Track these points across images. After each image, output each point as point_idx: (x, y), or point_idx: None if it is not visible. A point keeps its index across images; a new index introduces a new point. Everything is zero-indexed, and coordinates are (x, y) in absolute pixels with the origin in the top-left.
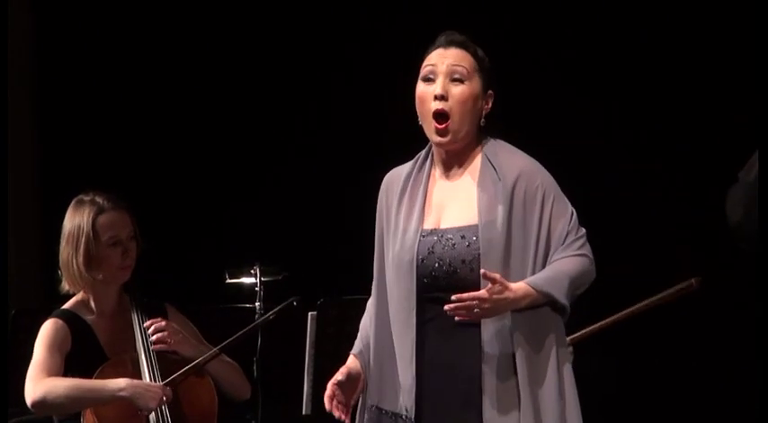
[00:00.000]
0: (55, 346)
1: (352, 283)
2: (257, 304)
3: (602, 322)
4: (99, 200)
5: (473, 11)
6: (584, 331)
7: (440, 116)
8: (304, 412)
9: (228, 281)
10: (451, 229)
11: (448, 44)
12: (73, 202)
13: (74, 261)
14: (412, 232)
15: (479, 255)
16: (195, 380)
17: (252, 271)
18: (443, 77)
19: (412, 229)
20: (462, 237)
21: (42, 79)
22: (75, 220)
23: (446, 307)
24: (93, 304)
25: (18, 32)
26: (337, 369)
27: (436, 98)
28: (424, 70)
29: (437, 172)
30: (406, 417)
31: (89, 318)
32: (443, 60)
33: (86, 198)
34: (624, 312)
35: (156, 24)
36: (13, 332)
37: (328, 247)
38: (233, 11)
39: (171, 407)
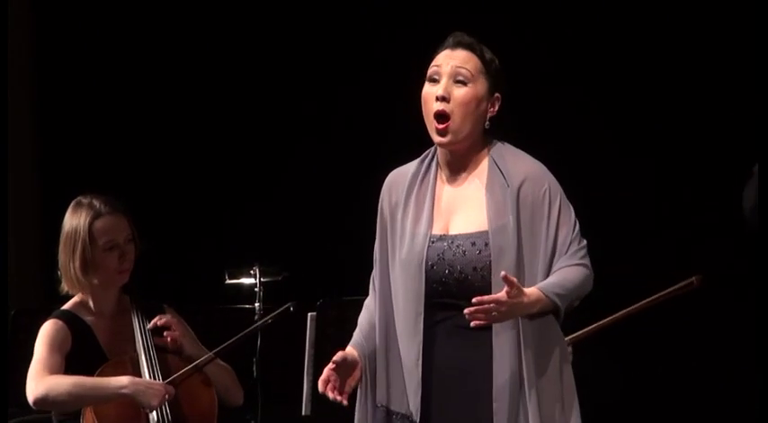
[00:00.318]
0: (55, 345)
1: (351, 284)
2: (257, 305)
3: (603, 321)
4: (96, 203)
5: (474, 11)
6: (584, 330)
7: (440, 117)
8: (304, 413)
9: (228, 281)
10: (461, 235)
11: (455, 45)
12: (72, 204)
13: (70, 265)
14: (421, 237)
15: (490, 262)
16: (195, 380)
17: (251, 271)
18: (447, 79)
19: (421, 234)
20: (473, 243)
21: (42, 79)
22: (73, 223)
23: (466, 310)
24: (92, 305)
25: (18, 32)
26: None
27: (438, 99)
28: (429, 71)
29: (443, 175)
30: (412, 419)
31: (88, 318)
32: (449, 62)
33: (85, 200)
34: (625, 311)
35: (156, 24)
36: (13, 332)
37: (328, 247)
38: (234, 10)
39: (171, 407)
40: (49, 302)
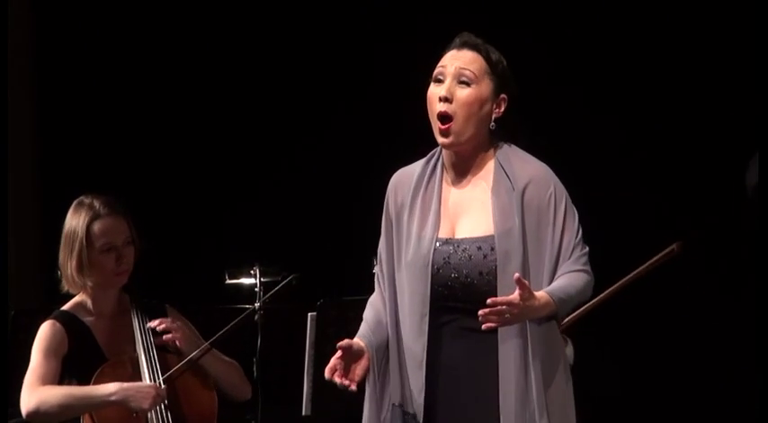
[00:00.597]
0: (51, 350)
1: (351, 284)
2: (257, 305)
3: (592, 302)
4: (96, 204)
5: (475, 11)
6: (575, 314)
7: (443, 118)
8: (304, 413)
9: (228, 281)
10: (467, 239)
11: (461, 46)
12: (74, 204)
13: (68, 265)
14: (427, 240)
15: (496, 266)
16: (195, 380)
17: (251, 271)
18: (451, 79)
19: (427, 236)
20: (479, 248)
21: (42, 79)
22: (72, 223)
23: (480, 312)
24: (91, 305)
25: (18, 32)
26: None
27: (440, 100)
28: (435, 71)
29: (449, 177)
30: (416, 419)
31: (88, 319)
32: (453, 62)
33: (86, 201)
34: (613, 288)
35: (156, 25)
36: (13, 332)
37: (328, 247)
38: (233, 10)
39: (171, 407)
40: (49, 302)
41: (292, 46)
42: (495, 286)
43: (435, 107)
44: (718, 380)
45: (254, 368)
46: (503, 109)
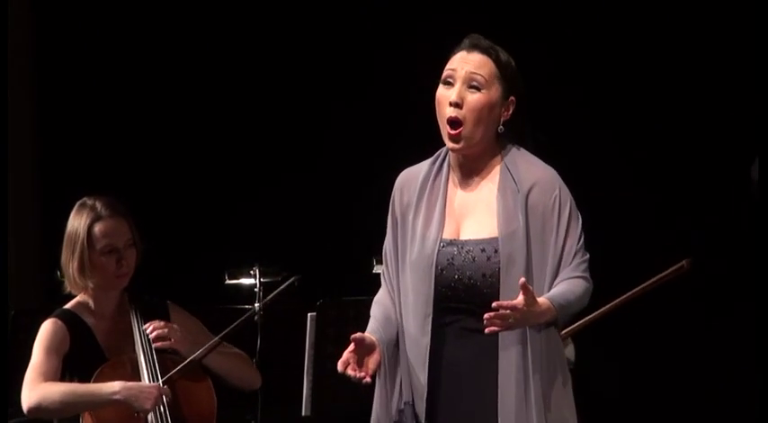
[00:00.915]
0: (52, 347)
1: (351, 284)
2: (257, 305)
3: (598, 312)
4: (98, 206)
5: (478, 11)
6: (580, 322)
7: (453, 123)
8: (304, 413)
9: (228, 282)
10: (471, 241)
11: (471, 48)
12: (76, 205)
13: (69, 266)
14: (431, 241)
15: (499, 269)
16: (194, 381)
17: (251, 272)
18: (461, 84)
19: (431, 237)
20: (482, 250)
21: (42, 79)
22: (74, 224)
23: (486, 315)
24: (93, 306)
25: (18, 32)
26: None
27: (451, 105)
28: (444, 73)
29: (455, 177)
30: (418, 418)
31: (89, 319)
32: (463, 66)
33: (88, 202)
34: (619, 299)
35: (156, 25)
36: (13, 332)
37: (328, 247)
38: (234, 10)
39: (170, 408)
40: (49, 302)
41: (291, 46)
42: (498, 288)
43: (445, 111)
44: (718, 381)
45: None
46: (511, 111)
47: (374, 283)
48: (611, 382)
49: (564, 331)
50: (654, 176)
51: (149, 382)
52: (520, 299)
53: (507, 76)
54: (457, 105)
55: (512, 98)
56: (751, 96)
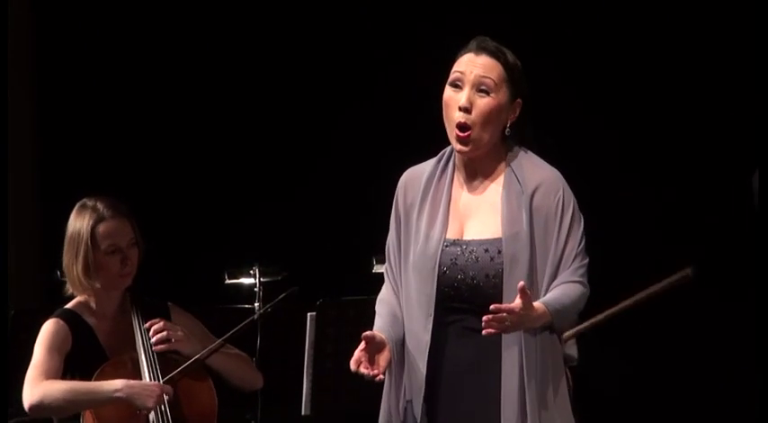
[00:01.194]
0: (54, 346)
1: (351, 284)
2: (256, 305)
3: (599, 317)
4: (100, 207)
5: (481, 11)
6: (580, 326)
7: (462, 127)
8: (304, 412)
9: (228, 281)
10: (475, 241)
11: (479, 50)
12: (77, 206)
13: (73, 268)
14: (435, 241)
15: (503, 269)
16: (195, 380)
17: (251, 271)
18: (470, 88)
19: (435, 237)
20: (486, 250)
21: (42, 79)
22: (76, 225)
23: (485, 318)
24: (95, 306)
25: (18, 32)
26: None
27: (460, 109)
28: (452, 75)
29: (460, 177)
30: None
31: (90, 319)
32: (472, 69)
33: (89, 203)
34: (621, 306)
35: (156, 24)
36: (13, 332)
37: (328, 247)
38: (234, 9)
39: (171, 407)
40: (49, 302)
41: (292, 43)
42: (501, 289)
43: (453, 115)
44: (718, 381)
45: None
46: (517, 114)
47: (374, 283)
48: (612, 382)
49: (566, 334)
50: (659, 178)
51: (150, 381)
52: (517, 302)
53: (514, 79)
54: (466, 110)
55: (518, 100)
56: (754, 103)
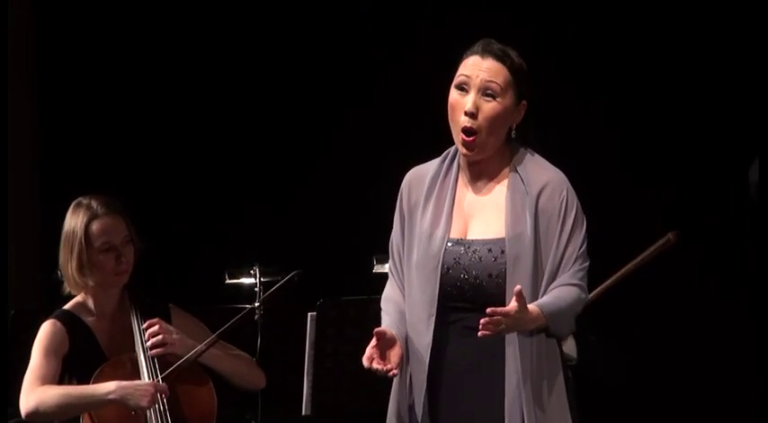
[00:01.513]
0: (51, 349)
1: (351, 284)
2: (257, 305)
3: (591, 294)
4: (94, 205)
5: (484, 11)
6: None
7: (468, 132)
8: (304, 413)
9: (228, 281)
10: (478, 240)
11: (484, 53)
12: (72, 205)
13: (68, 266)
14: (438, 240)
15: (506, 269)
16: (195, 380)
17: (251, 271)
18: (475, 92)
19: (438, 236)
20: (489, 250)
21: (42, 79)
22: (71, 224)
23: (482, 321)
24: (93, 305)
25: (18, 32)
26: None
27: (466, 114)
28: (458, 78)
29: (465, 178)
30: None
31: (89, 319)
32: (478, 73)
33: (84, 201)
34: (611, 280)
35: (156, 24)
36: (13, 332)
37: (328, 247)
38: (234, 9)
39: (170, 407)
40: (49, 303)
41: (293, 42)
42: (504, 288)
43: (459, 118)
44: (717, 375)
45: None
46: (522, 115)
47: (374, 283)
48: (610, 377)
49: None
50: (652, 172)
51: (150, 380)
52: (512, 305)
53: (519, 81)
54: (472, 115)
55: (523, 102)
56: (753, 92)
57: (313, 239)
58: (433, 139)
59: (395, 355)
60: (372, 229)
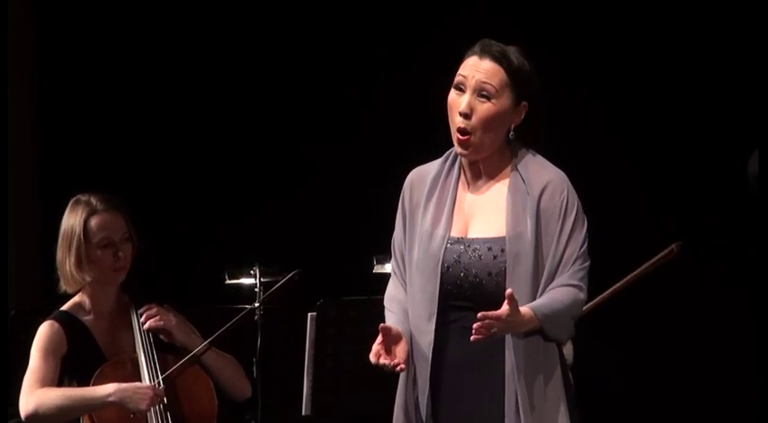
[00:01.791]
0: (49, 350)
1: (351, 284)
2: (256, 305)
3: (592, 302)
4: (93, 201)
5: (485, 11)
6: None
7: (462, 131)
8: (304, 413)
9: (228, 281)
10: (479, 239)
11: (482, 54)
12: (70, 202)
13: (66, 261)
14: (439, 239)
15: (505, 268)
16: (195, 380)
17: (251, 271)
18: (470, 93)
19: (439, 235)
20: (489, 248)
21: (42, 79)
22: (70, 220)
23: (475, 326)
24: (90, 305)
25: (18, 32)
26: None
27: (460, 114)
28: (456, 78)
29: (466, 177)
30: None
31: (86, 319)
32: (474, 74)
33: (82, 198)
34: (612, 289)
35: (156, 24)
36: (13, 332)
37: (328, 247)
38: (234, 9)
39: (170, 407)
40: (49, 303)
41: (294, 42)
42: (504, 287)
43: (456, 118)
44: (717, 379)
45: (254, 368)
46: (522, 116)
47: (374, 283)
48: (608, 381)
49: None
50: (653, 175)
51: (150, 381)
52: (504, 309)
53: (519, 83)
54: (466, 116)
55: (524, 103)
56: (752, 92)
57: (313, 239)
58: (435, 140)
59: (401, 350)
60: (373, 229)
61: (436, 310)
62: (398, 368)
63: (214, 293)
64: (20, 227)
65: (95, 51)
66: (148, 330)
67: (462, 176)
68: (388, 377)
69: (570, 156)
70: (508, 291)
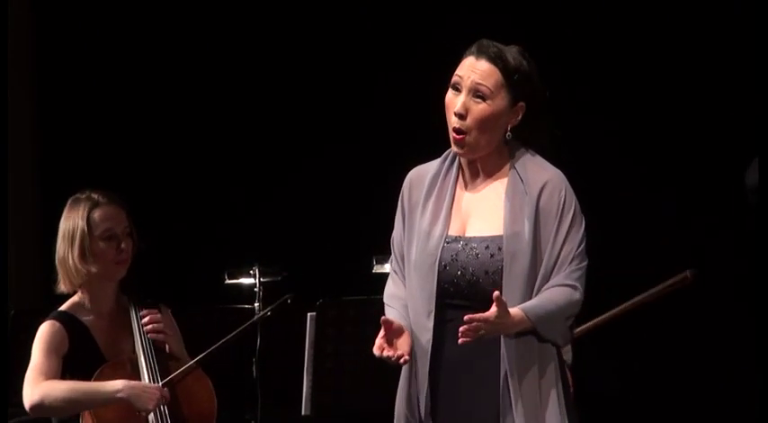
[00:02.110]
0: (52, 348)
1: (351, 284)
2: (256, 305)
3: (598, 319)
4: (94, 196)
5: (486, 11)
6: (579, 329)
7: (457, 131)
8: (303, 412)
9: (228, 281)
10: (476, 238)
11: (479, 54)
12: (69, 202)
13: (69, 256)
14: (436, 237)
15: (502, 267)
16: (195, 381)
17: (251, 271)
18: (466, 93)
19: (437, 233)
20: (486, 247)
21: (42, 79)
22: (71, 217)
23: (461, 328)
24: (90, 305)
25: (18, 32)
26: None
27: (456, 114)
28: (453, 78)
29: (464, 176)
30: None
31: (86, 319)
32: (470, 74)
33: (82, 196)
34: (620, 308)
35: (156, 24)
36: (13, 332)
37: (328, 247)
38: (234, 9)
39: (170, 407)
40: (49, 303)
41: (293, 46)
42: (500, 286)
43: (452, 118)
44: (718, 383)
45: (254, 368)
46: (519, 117)
47: (374, 283)
48: (612, 385)
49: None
50: (658, 178)
51: (150, 382)
52: (492, 311)
53: (515, 84)
54: (461, 116)
55: (521, 104)
56: (753, 100)
57: (313, 239)
58: (434, 140)
59: (404, 342)
60: (372, 229)
61: (434, 309)
62: (402, 360)
63: (214, 293)
64: (20, 227)
65: (95, 51)
66: (148, 334)
67: (461, 176)
68: (387, 377)
69: (570, 156)
70: (495, 293)
